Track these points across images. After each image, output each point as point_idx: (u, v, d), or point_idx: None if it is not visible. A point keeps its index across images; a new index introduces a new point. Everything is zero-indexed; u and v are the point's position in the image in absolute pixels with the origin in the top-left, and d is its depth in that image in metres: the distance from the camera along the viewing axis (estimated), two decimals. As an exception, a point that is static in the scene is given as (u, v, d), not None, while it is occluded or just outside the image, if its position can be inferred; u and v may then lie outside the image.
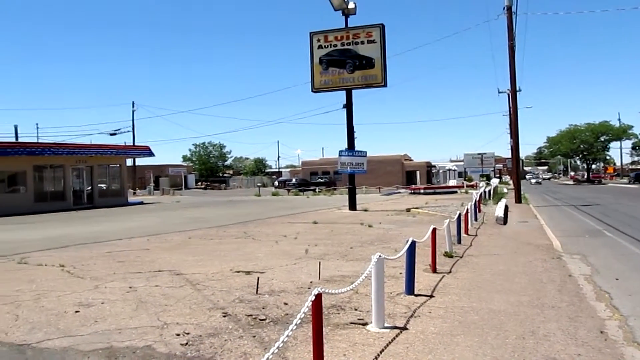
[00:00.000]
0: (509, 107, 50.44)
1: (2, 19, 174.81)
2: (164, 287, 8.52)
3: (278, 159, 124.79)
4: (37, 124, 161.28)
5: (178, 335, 5.90)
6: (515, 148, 32.90)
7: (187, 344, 5.60)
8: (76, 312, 7.07)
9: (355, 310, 6.85)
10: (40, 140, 52.48)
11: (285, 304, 7.24)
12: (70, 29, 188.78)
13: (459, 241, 13.26)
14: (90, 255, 12.47)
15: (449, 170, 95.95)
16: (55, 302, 7.71)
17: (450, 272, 9.55)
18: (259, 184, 71.34)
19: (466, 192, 43.62)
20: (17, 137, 59.95)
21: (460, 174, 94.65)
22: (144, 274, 9.78)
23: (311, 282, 8.68)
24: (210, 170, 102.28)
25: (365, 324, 6.15)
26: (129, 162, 52.78)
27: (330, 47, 27.94)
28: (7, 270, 10.70)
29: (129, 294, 8.09)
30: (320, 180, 70.72)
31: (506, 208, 19.72)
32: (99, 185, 38.02)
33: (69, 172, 35.14)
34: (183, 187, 73.30)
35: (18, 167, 31.92)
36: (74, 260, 11.58)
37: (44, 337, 5.97)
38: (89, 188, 36.82)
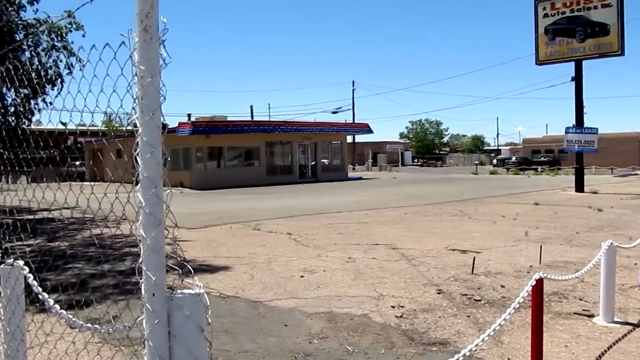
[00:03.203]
0: None
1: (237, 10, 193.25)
2: (380, 259, 8.84)
3: (497, 136, 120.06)
4: (269, 104, 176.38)
5: (393, 307, 6.10)
6: None
7: (401, 316, 5.76)
8: (301, 277, 7.72)
9: (580, 300, 6.38)
10: (271, 119, 57.33)
11: (502, 286, 7.03)
12: (295, 15, 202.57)
13: None
14: (314, 225, 13.41)
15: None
16: (283, 266, 8.49)
17: (698, 266, 8.35)
18: (476, 162, 69.46)
19: None
20: (252, 116, 66.19)
21: None
22: (362, 246, 10.24)
23: (530, 265, 8.28)
24: (427, 147, 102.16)
25: (590, 316, 5.71)
26: (349, 139, 55.15)
27: (558, 14, 25.82)
28: (245, 235, 12.06)
29: (348, 264, 8.56)
30: (542, 159, 66.28)
31: None
32: (322, 160, 40.49)
33: (296, 148, 38.09)
34: (400, 163, 74.33)
35: (253, 144, 35.50)
36: (300, 229, 12.56)
37: (273, 297, 6.64)
38: (313, 163, 39.46)
